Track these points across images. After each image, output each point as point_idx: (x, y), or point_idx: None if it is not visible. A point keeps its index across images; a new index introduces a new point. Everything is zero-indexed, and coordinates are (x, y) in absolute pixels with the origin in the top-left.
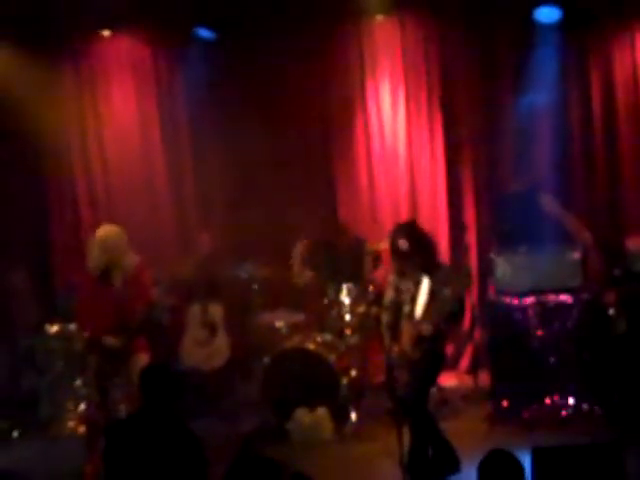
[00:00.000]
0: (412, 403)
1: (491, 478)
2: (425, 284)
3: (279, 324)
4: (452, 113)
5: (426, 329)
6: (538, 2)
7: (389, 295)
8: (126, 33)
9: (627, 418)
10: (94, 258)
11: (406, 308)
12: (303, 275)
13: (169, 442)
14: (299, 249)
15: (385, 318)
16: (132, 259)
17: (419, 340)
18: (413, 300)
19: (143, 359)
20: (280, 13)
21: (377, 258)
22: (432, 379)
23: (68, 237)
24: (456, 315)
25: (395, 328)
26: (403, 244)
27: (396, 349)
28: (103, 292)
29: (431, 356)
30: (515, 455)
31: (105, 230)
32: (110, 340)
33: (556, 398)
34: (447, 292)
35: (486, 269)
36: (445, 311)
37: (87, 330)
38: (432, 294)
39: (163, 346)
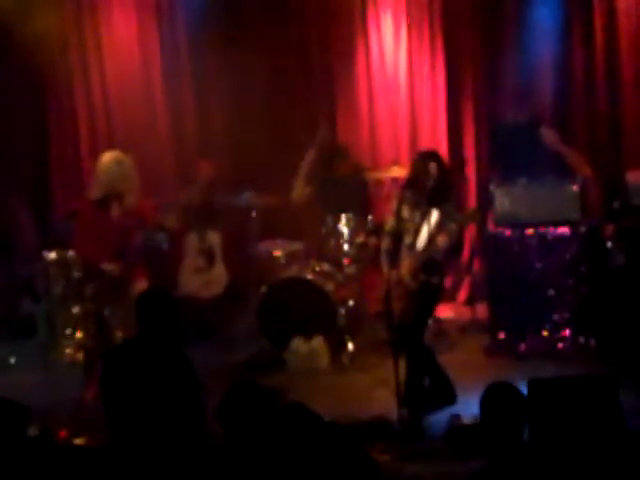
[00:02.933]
0: (409, 334)
1: (493, 411)
2: (433, 217)
3: (277, 253)
4: (454, 43)
5: (442, 241)
6: None
7: (390, 222)
8: None
9: (622, 351)
10: (97, 183)
11: (408, 239)
12: (303, 191)
13: (165, 368)
14: (306, 162)
15: (385, 244)
16: (135, 188)
17: (419, 270)
18: (416, 232)
19: (141, 286)
20: None
21: (377, 187)
22: (430, 310)
23: (67, 164)
24: (457, 249)
25: (394, 255)
26: (433, 168)
27: (394, 277)
28: (102, 219)
29: (430, 287)
30: (517, 387)
31: (110, 156)
32: (108, 266)
33: (553, 330)
34: (453, 227)
35: (485, 201)
36: (451, 243)
37: (85, 256)
38: (438, 227)
39: (161, 273)
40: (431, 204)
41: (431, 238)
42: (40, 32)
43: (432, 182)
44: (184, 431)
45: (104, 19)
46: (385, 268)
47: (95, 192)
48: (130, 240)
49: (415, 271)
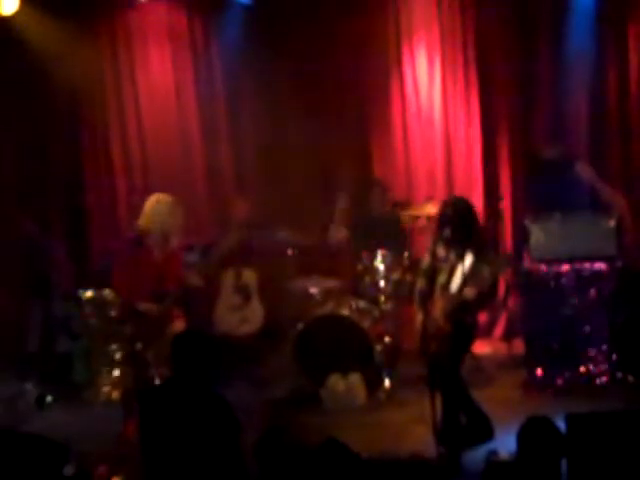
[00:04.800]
0: (444, 372)
1: (530, 444)
2: (467, 259)
3: (313, 290)
4: (488, 80)
5: (470, 294)
6: None
7: (426, 260)
8: None
9: None
10: (145, 221)
11: (442, 278)
12: (339, 232)
13: (202, 409)
14: (341, 204)
15: (419, 284)
16: (180, 230)
17: (451, 312)
18: (451, 271)
19: (178, 326)
20: None
21: (413, 224)
22: (464, 349)
23: (103, 203)
24: (489, 295)
25: (427, 296)
26: (451, 216)
27: (427, 317)
28: (141, 259)
29: (463, 326)
30: (553, 422)
31: (160, 197)
32: (147, 306)
33: (590, 366)
34: (486, 275)
35: (521, 236)
36: (480, 294)
37: (123, 296)
38: (472, 270)
39: (196, 311)
40: (464, 245)
41: (464, 281)
42: (76, 70)
43: (448, 230)
44: (222, 471)
45: (139, 56)
46: (417, 308)
47: (141, 229)
48: (169, 282)
49: (448, 313)
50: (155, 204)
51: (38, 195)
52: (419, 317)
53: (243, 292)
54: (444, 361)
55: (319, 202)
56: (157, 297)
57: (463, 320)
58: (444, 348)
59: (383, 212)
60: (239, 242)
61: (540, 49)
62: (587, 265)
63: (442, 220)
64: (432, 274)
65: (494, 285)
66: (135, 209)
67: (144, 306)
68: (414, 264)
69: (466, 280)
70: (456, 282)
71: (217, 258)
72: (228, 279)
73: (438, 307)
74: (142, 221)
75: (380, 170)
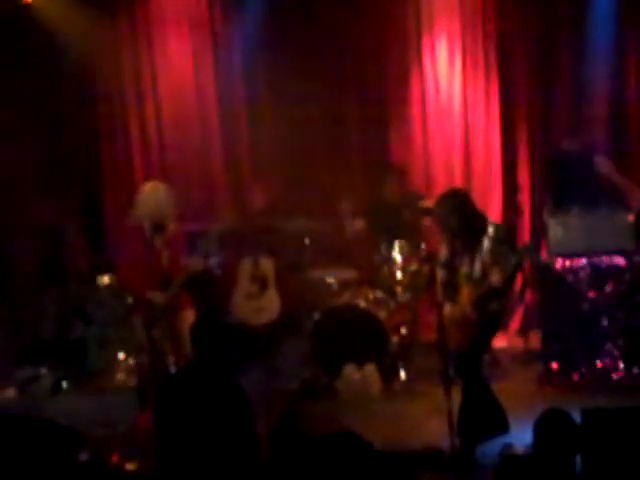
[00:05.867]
0: (467, 363)
1: (547, 436)
2: (484, 244)
3: (330, 280)
4: (509, 71)
5: (496, 280)
6: None
7: (443, 254)
8: None
9: None
10: (137, 214)
11: (465, 269)
12: (356, 224)
13: (217, 396)
14: (347, 205)
15: (440, 275)
16: (174, 216)
17: (478, 299)
18: (472, 261)
19: (189, 315)
20: None
21: (430, 215)
22: (489, 338)
23: (121, 191)
24: (513, 277)
25: (450, 286)
26: (453, 221)
27: (451, 308)
28: (149, 250)
29: (488, 315)
30: (571, 416)
31: (149, 187)
32: (154, 295)
33: (606, 361)
34: (510, 263)
35: (539, 230)
36: (507, 270)
37: (129, 286)
38: (494, 255)
39: (213, 298)
40: (474, 235)
41: (485, 267)
42: (95, 54)
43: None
44: (234, 458)
45: (159, 41)
46: (440, 299)
47: (135, 218)
48: (173, 269)
49: (475, 301)
50: (145, 193)
51: (55, 179)
52: (446, 307)
53: (260, 281)
54: (467, 350)
55: (337, 192)
56: (164, 285)
57: (488, 307)
58: (469, 336)
59: (400, 202)
60: (256, 229)
61: (561, 41)
62: (605, 259)
63: (440, 226)
64: (451, 265)
65: (515, 270)
66: None
67: (151, 294)
68: (431, 255)
69: (487, 266)
70: (478, 269)
71: (231, 236)
72: (245, 268)
73: (464, 296)
74: (135, 211)
75: (398, 160)
